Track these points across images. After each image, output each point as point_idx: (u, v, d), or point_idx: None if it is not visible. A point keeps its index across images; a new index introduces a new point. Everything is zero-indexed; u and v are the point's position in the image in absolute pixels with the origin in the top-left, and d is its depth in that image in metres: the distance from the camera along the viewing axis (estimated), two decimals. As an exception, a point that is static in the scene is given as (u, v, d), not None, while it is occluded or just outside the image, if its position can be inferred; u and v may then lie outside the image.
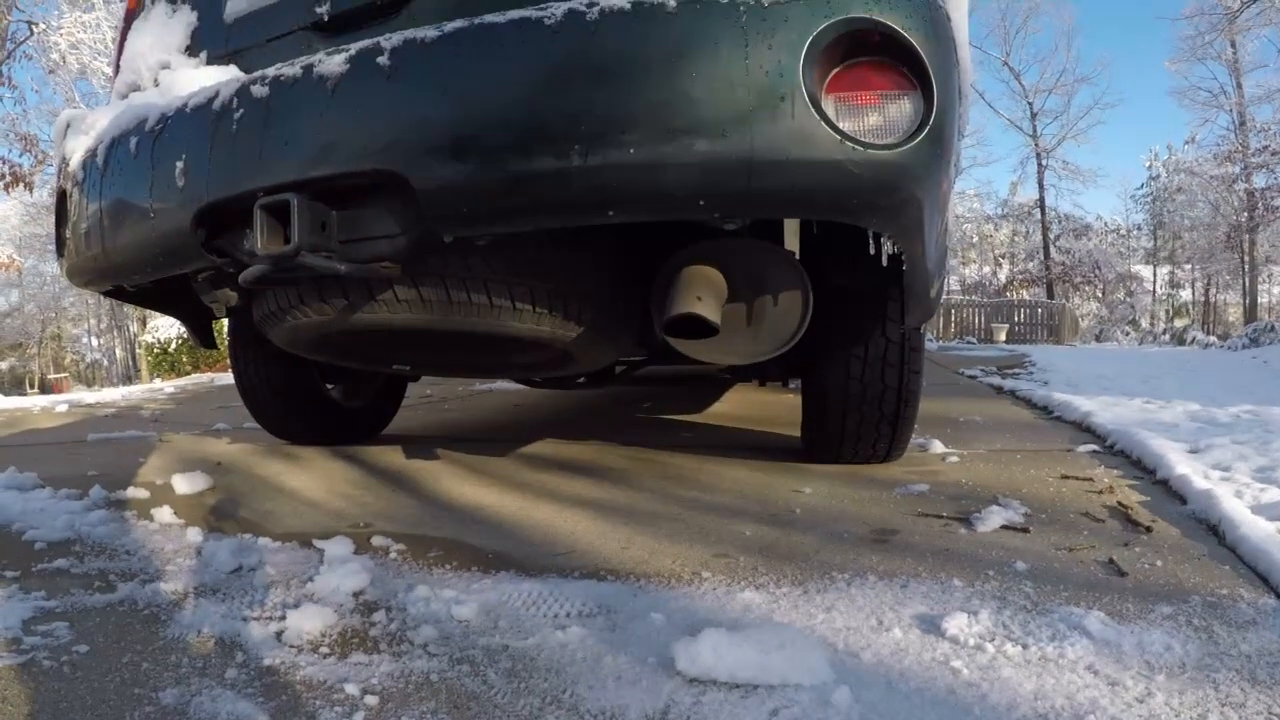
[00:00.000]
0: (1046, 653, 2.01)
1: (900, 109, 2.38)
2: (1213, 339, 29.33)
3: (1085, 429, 4.90)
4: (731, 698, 1.87)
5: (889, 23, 2.33)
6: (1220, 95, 42.23)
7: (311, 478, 4.18)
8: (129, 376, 49.54)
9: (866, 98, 2.39)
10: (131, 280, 3.37)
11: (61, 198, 3.51)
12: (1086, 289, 52.37)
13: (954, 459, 4.16)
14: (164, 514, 3.43)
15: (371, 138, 2.59)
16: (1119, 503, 3.22)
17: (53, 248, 4.13)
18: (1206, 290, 60.59)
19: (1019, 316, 35.16)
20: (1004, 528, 2.98)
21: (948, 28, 2.51)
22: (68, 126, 3.49)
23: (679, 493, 3.67)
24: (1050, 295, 46.67)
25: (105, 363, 60.95)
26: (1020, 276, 52.51)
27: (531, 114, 2.41)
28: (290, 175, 2.69)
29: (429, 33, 2.55)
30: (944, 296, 3.83)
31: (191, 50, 3.36)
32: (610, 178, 2.37)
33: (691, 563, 2.76)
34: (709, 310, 2.88)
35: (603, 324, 3.26)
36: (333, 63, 2.66)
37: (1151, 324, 53.67)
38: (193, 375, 17.41)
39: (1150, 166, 62.31)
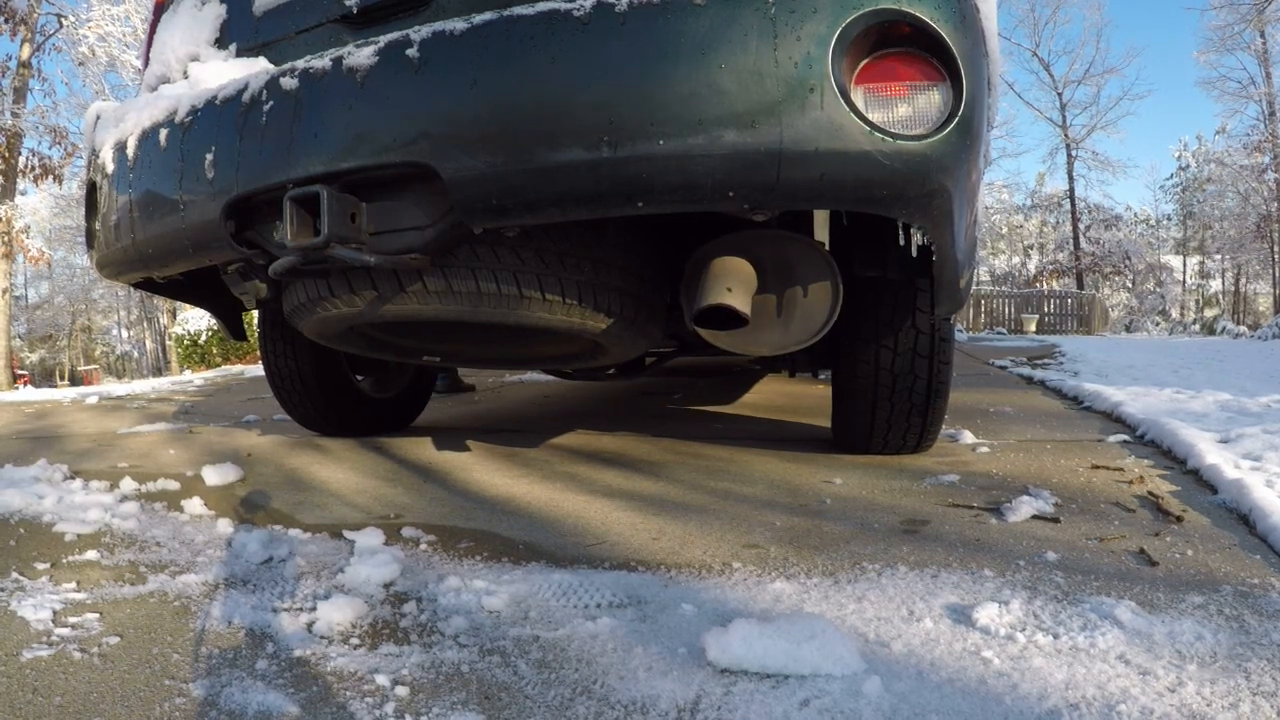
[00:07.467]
0: (1078, 642, 2.01)
1: (929, 100, 2.37)
2: (1243, 329, 29.26)
3: (1115, 419, 4.87)
4: (762, 688, 1.87)
5: (918, 14, 2.32)
6: (1249, 86, 41.84)
7: (342, 469, 4.19)
8: (159, 368, 49.88)
9: (895, 89, 2.38)
10: (161, 272, 3.38)
11: (91, 190, 3.53)
12: (1116, 279, 52.09)
13: (984, 449, 4.15)
14: (194, 505, 3.45)
15: (401, 130, 2.59)
16: (1149, 492, 3.21)
17: (82, 240, 4.15)
18: (1236, 280, 60.19)
19: (1049, 307, 35.02)
20: (1034, 518, 2.97)
21: (976, 19, 2.50)
22: (97, 119, 3.51)
23: (710, 483, 3.68)
24: (1080, 286, 46.42)
25: (135, 355, 61.27)
26: (1050, 267, 52.23)
27: (560, 106, 2.41)
28: (320, 167, 2.70)
29: (458, 25, 2.56)
30: (974, 287, 3.82)
31: (221, 43, 3.37)
32: (639, 169, 2.37)
33: (722, 553, 2.77)
34: (739, 301, 2.87)
35: (632, 315, 3.26)
36: (362, 55, 2.67)
37: (1181, 314, 53.34)
38: (223, 367, 17.47)
39: (1179, 157, 62.03)
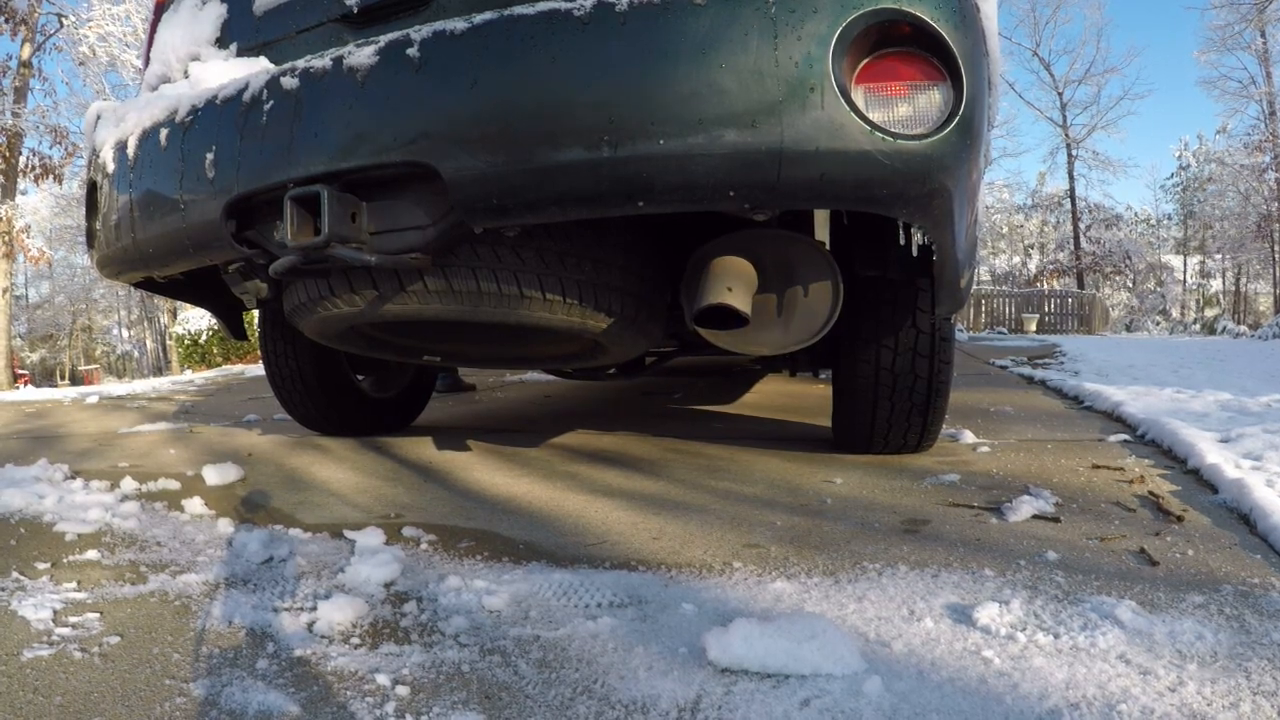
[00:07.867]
0: (1078, 642, 2.00)
1: (930, 100, 2.37)
2: (1243, 328, 29.26)
3: (1116, 419, 4.87)
4: (763, 688, 1.87)
5: (918, 14, 2.32)
6: (1250, 85, 41.80)
7: (342, 469, 4.19)
8: (159, 368, 49.90)
9: (896, 88, 2.38)
10: (162, 271, 3.38)
11: (92, 189, 3.52)
12: (1117, 279, 52.09)
13: (985, 449, 4.14)
14: (195, 505, 3.45)
15: (401, 129, 2.59)
16: (1150, 492, 3.21)
17: (83, 240, 4.15)
18: (1237, 280, 60.21)
19: (1049, 307, 34.99)
20: (1035, 517, 2.97)
21: (977, 18, 2.50)
22: (98, 118, 3.51)
23: (710, 483, 3.67)
24: (1081, 285, 46.40)
25: (136, 354, 61.33)
26: (1050, 267, 52.22)
27: (561, 105, 2.41)
28: (320, 167, 2.70)
29: (458, 24, 2.56)
30: (974, 287, 3.83)
31: (221, 42, 3.37)
32: (640, 169, 2.37)
33: (723, 553, 2.77)
34: (739, 301, 2.87)
35: (633, 315, 3.26)
36: (362, 55, 2.67)
37: (1182, 314, 53.34)
38: (223, 366, 17.46)
39: (1180, 156, 62.07)
